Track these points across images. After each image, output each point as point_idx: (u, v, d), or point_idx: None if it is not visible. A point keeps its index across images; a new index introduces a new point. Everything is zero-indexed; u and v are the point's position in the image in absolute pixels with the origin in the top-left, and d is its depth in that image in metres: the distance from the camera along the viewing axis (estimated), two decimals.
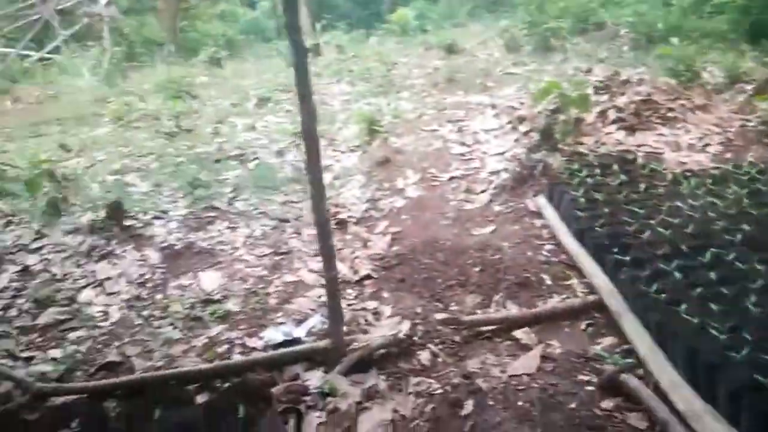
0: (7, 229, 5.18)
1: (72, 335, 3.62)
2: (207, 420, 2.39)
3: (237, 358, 3.29)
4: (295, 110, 7.95)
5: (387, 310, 3.63)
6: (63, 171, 5.61)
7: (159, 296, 3.96)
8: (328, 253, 2.86)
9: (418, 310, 3.56)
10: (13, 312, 3.92)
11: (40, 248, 4.73)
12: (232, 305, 3.80)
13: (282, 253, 4.45)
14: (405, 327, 3.34)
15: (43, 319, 3.80)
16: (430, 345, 3.23)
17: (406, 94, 8.39)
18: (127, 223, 4.80)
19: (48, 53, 13.58)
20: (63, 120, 8.83)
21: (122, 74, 11.13)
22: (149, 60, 12.71)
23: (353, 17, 17.26)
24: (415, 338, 3.28)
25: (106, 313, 3.83)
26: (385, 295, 3.82)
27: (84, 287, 4.12)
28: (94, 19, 13.81)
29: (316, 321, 3.55)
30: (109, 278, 4.22)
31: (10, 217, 5.42)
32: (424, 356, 3.16)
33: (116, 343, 3.49)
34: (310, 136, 2.54)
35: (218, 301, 3.85)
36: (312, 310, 3.71)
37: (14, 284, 4.29)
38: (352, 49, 12.11)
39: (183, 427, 2.35)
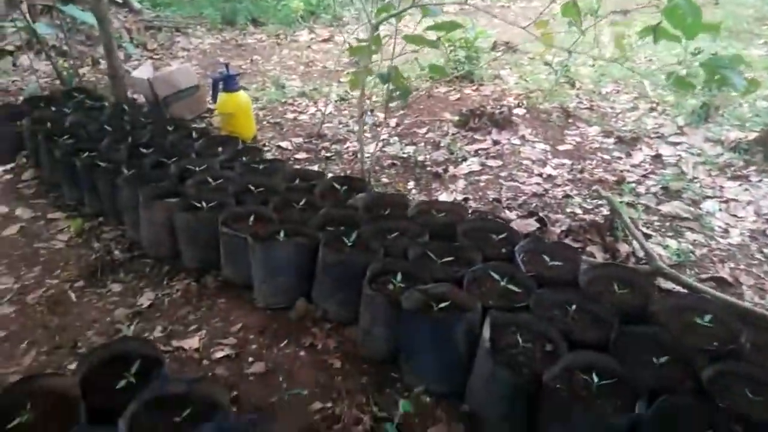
0: (650, 114, 5.61)
1: (689, 235, 3.75)
2: None
3: None
4: None
5: None
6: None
7: None
8: None
9: None
10: (641, 189, 4.30)
11: (676, 143, 4.96)
12: None
13: None
14: None
15: (666, 208, 4.04)
16: None
17: None
18: None
19: None
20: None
21: None
22: None
23: None
24: None
25: (726, 231, 3.80)
26: None
27: (709, 197, 4.16)
28: None
29: None
30: (736, 200, 4.12)
31: (654, 105, 5.82)
32: None
33: (730, 264, 3.46)
34: None
35: None
36: None
37: (645, 165, 4.68)
38: None
39: None
